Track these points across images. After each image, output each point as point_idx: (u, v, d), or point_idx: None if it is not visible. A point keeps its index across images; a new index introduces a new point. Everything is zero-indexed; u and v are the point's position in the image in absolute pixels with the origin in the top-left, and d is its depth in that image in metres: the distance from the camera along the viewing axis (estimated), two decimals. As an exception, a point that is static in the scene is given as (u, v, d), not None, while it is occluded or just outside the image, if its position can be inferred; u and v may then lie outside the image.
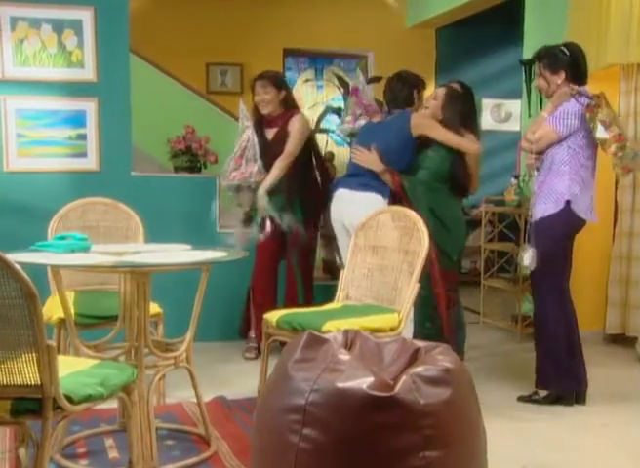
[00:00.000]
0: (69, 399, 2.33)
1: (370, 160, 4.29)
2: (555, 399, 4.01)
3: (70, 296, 3.78)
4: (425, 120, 4.34)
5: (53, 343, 2.29)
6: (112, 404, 3.04)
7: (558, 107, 3.93)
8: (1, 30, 4.73)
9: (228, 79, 7.81)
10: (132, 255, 3.10)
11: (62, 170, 4.91)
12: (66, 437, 3.32)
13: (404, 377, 2.44)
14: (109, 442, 3.35)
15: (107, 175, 4.94)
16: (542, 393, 4.04)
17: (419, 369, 2.49)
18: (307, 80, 8.31)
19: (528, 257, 3.93)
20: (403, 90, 4.46)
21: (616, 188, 5.42)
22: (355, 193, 4.31)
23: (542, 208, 3.94)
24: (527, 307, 5.48)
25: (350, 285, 3.79)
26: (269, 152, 4.65)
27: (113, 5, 4.92)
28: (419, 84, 4.52)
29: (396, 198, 4.27)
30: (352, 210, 4.24)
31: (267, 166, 4.65)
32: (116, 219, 4.11)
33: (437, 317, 4.25)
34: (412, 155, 4.34)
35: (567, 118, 3.90)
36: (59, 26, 4.82)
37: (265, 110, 4.71)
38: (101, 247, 3.29)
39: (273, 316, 3.47)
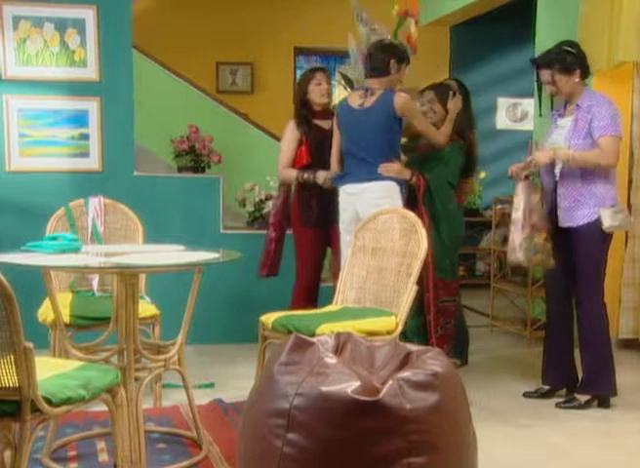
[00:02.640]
0: (48, 401, 2.29)
1: (397, 170, 4.17)
2: (601, 403, 3.99)
3: (68, 297, 3.77)
4: (411, 104, 4.20)
5: (30, 345, 2.25)
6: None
7: (594, 114, 3.86)
8: (3, 29, 4.72)
9: (238, 78, 7.77)
10: (122, 256, 3.06)
11: (65, 170, 4.89)
12: (58, 440, 3.28)
13: (390, 382, 2.39)
14: (101, 445, 3.31)
15: (110, 175, 4.91)
16: (583, 398, 3.99)
17: (406, 373, 2.43)
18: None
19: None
20: (383, 57, 4.22)
21: (629, 189, 5.31)
22: (368, 184, 4.13)
23: (588, 212, 3.89)
24: (537, 311, 5.39)
25: (349, 287, 3.73)
26: (328, 141, 4.58)
27: (116, 4, 4.88)
28: (399, 54, 4.28)
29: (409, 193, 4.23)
30: (366, 199, 4.09)
31: (327, 155, 4.56)
32: (115, 220, 4.08)
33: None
34: (397, 136, 4.25)
35: (615, 118, 3.86)
36: (61, 25, 4.79)
37: (326, 99, 4.66)
38: (93, 247, 3.25)
39: (269, 318, 3.41)
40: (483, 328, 5.84)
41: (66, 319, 3.43)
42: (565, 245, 3.98)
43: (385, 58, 4.20)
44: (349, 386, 2.33)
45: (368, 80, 4.26)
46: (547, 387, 4.13)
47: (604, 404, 3.97)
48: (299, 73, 8.16)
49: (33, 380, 2.25)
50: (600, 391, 3.99)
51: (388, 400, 2.32)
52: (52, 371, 2.47)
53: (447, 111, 4.39)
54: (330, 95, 4.69)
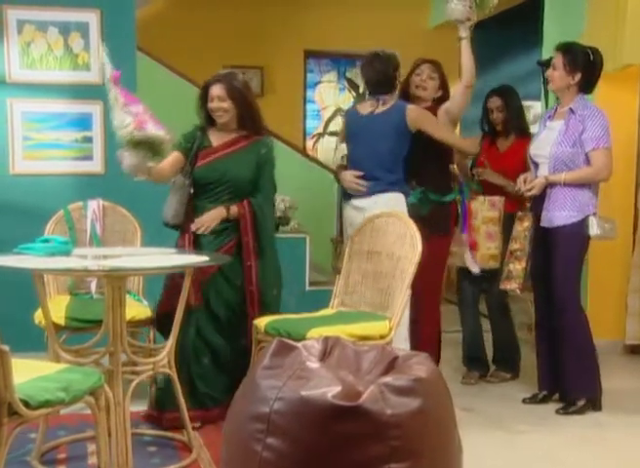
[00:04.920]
0: (26, 404, 2.29)
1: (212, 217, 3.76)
2: (592, 405, 3.96)
3: (65, 300, 3.78)
4: (425, 114, 4.10)
5: (6, 348, 2.24)
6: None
7: (587, 125, 3.86)
8: (8, 33, 4.74)
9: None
10: (112, 259, 3.05)
11: (68, 172, 4.89)
12: (49, 442, 3.29)
13: (372, 387, 2.36)
14: (92, 447, 3.30)
15: (113, 177, 4.91)
16: (580, 402, 3.95)
17: (388, 378, 2.40)
18: (320, 82, 8.22)
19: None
20: (388, 71, 4.11)
21: (636, 193, 5.26)
22: (375, 197, 4.02)
23: (565, 215, 3.89)
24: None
25: (345, 291, 3.71)
26: None
27: (120, 7, 4.88)
28: (398, 63, 4.19)
29: None
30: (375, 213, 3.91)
31: None
32: (114, 223, 4.09)
33: None
34: (407, 149, 4.10)
35: (607, 131, 3.87)
36: (65, 29, 4.81)
37: (420, 92, 4.37)
38: (85, 250, 3.26)
39: (262, 322, 3.40)
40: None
41: (62, 321, 3.45)
42: (545, 247, 3.97)
43: (389, 72, 4.10)
44: (330, 391, 2.31)
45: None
46: (544, 392, 4.09)
47: (595, 406, 3.95)
48: (309, 77, 8.16)
49: (10, 383, 2.24)
50: (588, 394, 3.96)
51: (369, 405, 2.29)
52: (32, 374, 2.47)
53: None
54: (426, 88, 4.37)
